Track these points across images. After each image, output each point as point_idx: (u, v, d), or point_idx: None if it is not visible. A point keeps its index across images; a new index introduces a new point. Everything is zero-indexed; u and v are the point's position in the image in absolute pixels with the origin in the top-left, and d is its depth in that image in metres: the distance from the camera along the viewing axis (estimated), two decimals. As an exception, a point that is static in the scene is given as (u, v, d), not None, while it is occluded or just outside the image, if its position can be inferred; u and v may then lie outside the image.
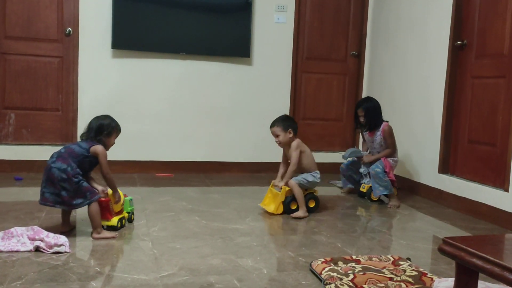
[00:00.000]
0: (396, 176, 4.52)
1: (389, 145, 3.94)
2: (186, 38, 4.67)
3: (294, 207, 3.39)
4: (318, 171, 3.52)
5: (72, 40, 4.50)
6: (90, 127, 2.84)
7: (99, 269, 2.22)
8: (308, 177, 3.45)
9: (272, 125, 3.49)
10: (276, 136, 3.46)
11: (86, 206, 2.64)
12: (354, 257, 2.46)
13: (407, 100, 4.47)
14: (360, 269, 2.26)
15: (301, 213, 3.34)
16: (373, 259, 2.44)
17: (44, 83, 4.51)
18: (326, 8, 5.14)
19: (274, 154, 4.99)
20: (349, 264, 2.33)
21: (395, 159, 3.97)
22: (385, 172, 3.78)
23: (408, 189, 4.36)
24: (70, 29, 4.48)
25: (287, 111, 5.03)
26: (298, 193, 3.36)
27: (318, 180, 3.50)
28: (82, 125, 4.50)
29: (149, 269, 2.26)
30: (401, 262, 2.39)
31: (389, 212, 3.63)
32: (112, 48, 4.52)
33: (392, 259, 2.44)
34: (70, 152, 2.69)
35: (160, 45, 4.62)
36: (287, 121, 3.51)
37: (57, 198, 2.59)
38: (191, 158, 4.81)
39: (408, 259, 2.48)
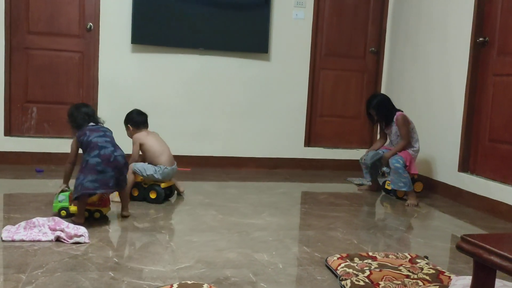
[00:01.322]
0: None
1: (403, 135, 3.89)
2: (205, 33, 4.69)
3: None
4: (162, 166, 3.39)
5: (93, 35, 4.56)
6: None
7: (117, 260, 2.26)
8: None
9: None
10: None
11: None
12: (370, 253, 2.45)
13: (427, 97, 4.42)
14: (377, 266, 2.25)
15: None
16: (390, 256, 2.42)
17: (65, 78, 4.58)
18: (345, 3, 5.11)
19: (291, 150, 5.01)
20: (365, 261, 2.33)
21: (414, 148, 3.93)
22: (406, 166, 3.75)
23: (427, 187, 4.32)
24: (91, 24, 4.54)
25: (304, 108, 5.03)
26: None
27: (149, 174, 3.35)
28: (102, 119, 4.59)
29: (166, 261, 2.29)
30: (418, 260, 2.38)
31: (407, 210, 3.60)
32: (131, 43, 4.57)
33: (409, 257, 2.42)
34: (112, 138, 2.91)
35: (178, 40, 4.65)
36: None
37: (117, 181, 2.81)
38: (208, 153, 4.84)
39: (426, 257, 2.46)
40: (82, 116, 2.93)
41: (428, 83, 4.41)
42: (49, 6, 4.47)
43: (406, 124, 3.91)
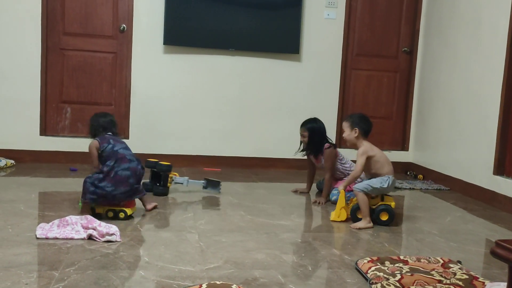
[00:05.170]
0: (448, 176, 4.41)
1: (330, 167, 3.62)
2: (236, 34, 4.71)
3: (360, 216, 3.08)
4: (389, 176, 3.12)
5: (126, 36, 4.64)
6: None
7: (147, 259, 2.28)
8: (375, 182, 3.09)
9: (344, 120, 3.34)
10: (343, 131, 3.27)
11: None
12: (401, 257, 2.41)
13: (461, 98, 4.31)
14: (408, 270, 2.21)
15: (362, 224, 3.02)
16: (422, 260, 2.37)
17: (99, 78, 4.67)
18: (378, 3, 5.04)
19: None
20: (396, 265, 2.29)
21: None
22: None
23: (460, 191, 4.22)
24: (124, 25, 4.62)
25: (335, 108, 4.99)
26: (362, 201, 3.04)
27: (386, 186, 3.08)
28: (133, 120, 4.69)
29: (195, 261, 2.30)
30: (451, 265, 2.32)
31: (439, 214, 3.52)
32: (163, 44, 4.62)
33: (441, 261, 2.37)
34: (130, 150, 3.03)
35: (210, 41, 4.68)
36: (359, 119, 3.24)
37: (141, 190, 2.99)
38: (238, 154, 4.85)
39: (459, 262, 2.40)
40: (102, 124, 3.05)
41: (463, 83, 4.30)
42: (83, 8, 4.57)
43: (333, 158, 3.66)
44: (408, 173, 5.03)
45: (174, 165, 4.73)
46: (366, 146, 3.17)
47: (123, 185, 2.83)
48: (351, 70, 5.07)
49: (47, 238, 2.47)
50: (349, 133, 3.22)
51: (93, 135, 3.05)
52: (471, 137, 4.14)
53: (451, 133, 4.41)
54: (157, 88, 4.70)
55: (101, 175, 2.82)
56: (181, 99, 4.74)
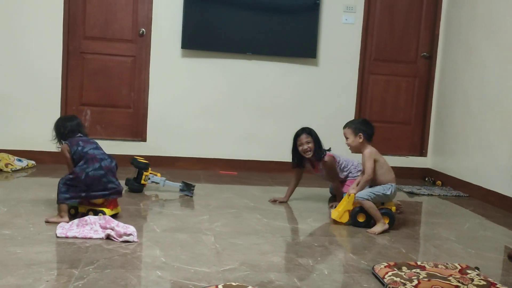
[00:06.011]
0: (467, 183, 4.36)
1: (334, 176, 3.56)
2: (253, 38, 4.73)
3: (361, 219, 3.07)
4: (392, 184, 3.10)
5: (145, 40, 4.69)
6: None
7: (164, 260, 2.30)
8: (377, 190, 3.06)
9: (344, 127, 3.27)
10: (346, 138, 3.23)
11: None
12: (419, 263, 2.38)
13: (481, 103, 4.27)
14: (425, 275, 2.19)
15: (377, 228, 2.97)
16: (439, 266, 2.35)
17: (118, 82, 4.73)
18: (397, 8, 5.02)
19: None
20: (414, 270, 2.27)
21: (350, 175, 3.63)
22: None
23: (479, 197, 4.16)
24: (143, 29, 4.68)
25: (352, 113, 4.97)
26: (369, 207, 3.01)
27: (389, 193, 3.07)
28: (151, 122, 4.73)
29: (211, 262, 2.31)
30: (468, 271, 2.29)
31: (458, 221, 3.48)
32: (181, 48, 4.67)
33: (459, 267, 2.34)
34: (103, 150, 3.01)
35: (227, 45, 4.71)
36: (361, 124, 3.20)
37: (118, 189, 2.93)
38: (254, 157, 4.86)
39: (477, 268, 2.37)
40: (67, 128, 2.99)
41: (483, 88, 4.25)
42: (104, 13, 4.65)
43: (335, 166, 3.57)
44: (427, 179, 4.99)
45: (190, 168, 4.79)
46: (372, 149, 3.14)
47: (97, 184, 2.82)
48: (369, 75, 5.05)
49: (66, 237, 2.51)
50: (353, 139, 3.16)
51: (60, 139, 3.00)
52: (491, 143, 4.09)
53: (471, 139, 4.36)
54: (175, 91, 4.74)
55: (71, 176, 2.80)
56: (198, 102, 4.77)
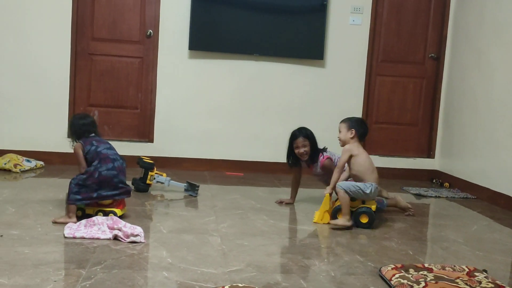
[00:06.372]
0: (475, 185, 4.33)
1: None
2: (260, 39, 4.73)
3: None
4: (373, 184, 3.08)
5: (152, 42, 4.71)
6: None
7: (170, 260, 2.31)
8: (359, 185, 3.06)
9: (340, 121, 3.30)
10: (339, 132, 3.25)
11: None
12: (426, 265, 2.37)
13: (489, 105, 4.24)
14: (432, 277, 2.18)
15: (340, 221, 3.00)
16: (447, 268, 2.34)
17: (125, 83, 4.75)
18: (405, 8, 5.00)
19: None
20: (421, 272, 2.26)
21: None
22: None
23: (487, 199, 4.14)
24: (151, 31, 4.69)
25: (359, 114, 4.95)
26: (342, 199, 3.03)
27: (368, 192, 3.05)
28: (158, 123, 4.75)
29: (217, 263, 2.32)
30: (476, 274, 2.28)
31: (465, 223, 3.46)
32: (189, 49, 4.68)
33: (467, 270, 2.33)
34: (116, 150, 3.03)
35: (234, 46, 4.72)
36: (356, 122, 3.25)
37: (127, 189, 2.96)
38: (260, 158, 4.86)
39: (485, 270, 2.36)
40: (83, 127, 2.99)
41: (491, 90, 4.23)
42: (112, 14, 4.67)
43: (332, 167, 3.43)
44: (434, 181, 4.96)
45: (197, 169, 4.80)
46: (352, 145, 3.17)
47: (108, 184, 2.83)
48: (376, 76, 5.04)
49: (74, 238, 2.52)
50: (345, 134, 3.22)
51: (76, 138, 3.00)
52: (499, 145, 4.06)
53: (479, 141, 4.34)
54: (182, 92, 4.76)
55: (84, 175, 2.81)
56: (205, 103, 4.78)
